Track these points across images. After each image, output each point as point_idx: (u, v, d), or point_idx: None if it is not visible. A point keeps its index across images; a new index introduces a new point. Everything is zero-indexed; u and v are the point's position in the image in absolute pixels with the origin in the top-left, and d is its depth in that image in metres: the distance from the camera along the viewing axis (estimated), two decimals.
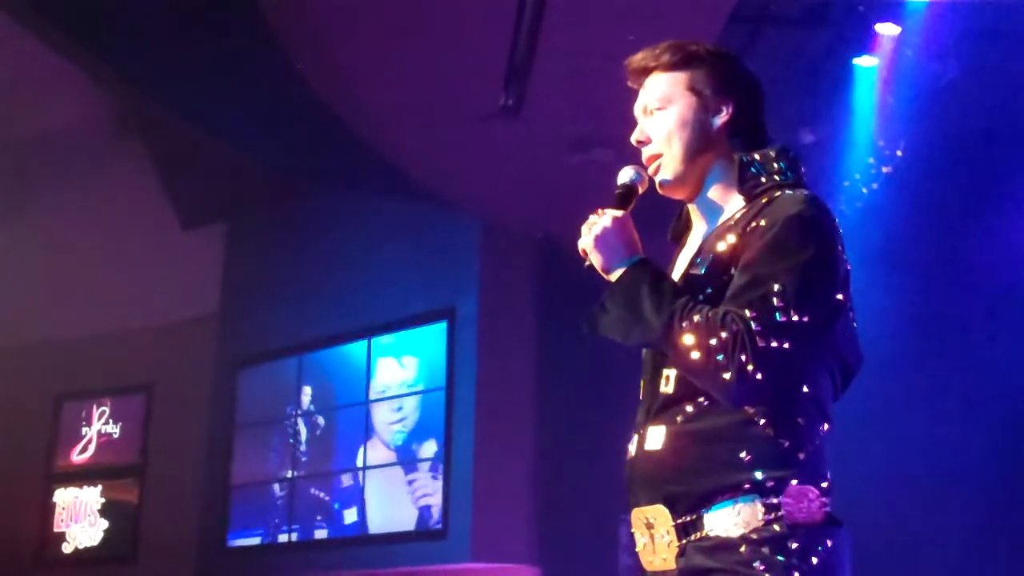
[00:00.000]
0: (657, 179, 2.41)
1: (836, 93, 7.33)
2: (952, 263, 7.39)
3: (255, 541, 10.26)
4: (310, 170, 9.70)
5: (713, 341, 2.10)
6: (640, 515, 2.29)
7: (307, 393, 10.10)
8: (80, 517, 12.37)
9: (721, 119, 2.39)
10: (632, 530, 2.35)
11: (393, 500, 9.24)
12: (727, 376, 2.10)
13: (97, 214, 10.74)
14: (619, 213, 2.35)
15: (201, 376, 11.08)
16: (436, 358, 9.06)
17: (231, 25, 7.05)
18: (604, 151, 7.37)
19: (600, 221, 2.33)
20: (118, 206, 10.74)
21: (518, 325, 8.94)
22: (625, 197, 2.41)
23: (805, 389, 2.18)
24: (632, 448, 2.33)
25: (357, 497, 9.50)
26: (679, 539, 2.21)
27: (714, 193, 2.40)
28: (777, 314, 2.11)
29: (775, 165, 2.36)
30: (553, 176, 7.94)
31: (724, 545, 2.14)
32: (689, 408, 2.22)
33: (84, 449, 12.59)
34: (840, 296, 2.23)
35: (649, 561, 2.29)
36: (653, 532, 2.26)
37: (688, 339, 2.13)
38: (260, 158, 9.50)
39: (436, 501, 8.81)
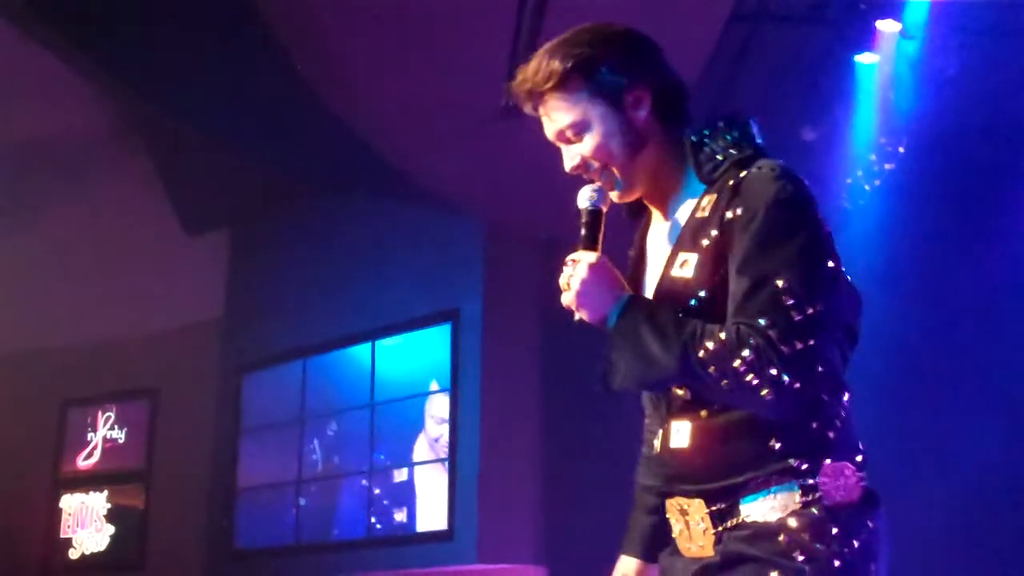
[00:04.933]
0: (612, 196, 2.31)
1: (837, 90, 7.34)
2: (953, 259, 7.39)
3: (262, 545, 10.26)
4: (313, 174, 9.71)
5: (737, 364, 2.02)
6: (674, 503, 2.27)
7: (312, 396, 10.10)
8: (87, 523, 12.39)
9: (643, 109, 2.26)
10: (667, 516, 2.32)
11: (399, 502, 9.25)
12: (764, 394, 2.02)
13: (101, 220, 10.75)
14: (593, 258, 2.20)
15: (206, 381, 11.09)
16: (440, 360, 9.06)
17: (232, 29, 7.06)
18: None
19: (576, 274, 2.19)
20: (121, 212, 10.75)
21: (522, 326, 8.95)
22: (593, 227, 2.27)
23: (820, 369, 2.06)
24: (656, 444, 2.29)
25: (364, 499, 9.50)
26: (715, 526, 2.18)
27: (665, 181, 2.29)
28: (792, 313, 2.03)
29: (727, 137, 2.25)
30: (556, 177, 7.92)
31: (762, 532, 2.11)
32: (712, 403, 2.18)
33: (90, 455, 12.60)
34: (835, 263, 2.17)
35: (687, 547, 2.27)
36: (688, 519, 2.23)
37: (711, 370, 2.04)
38: (263, 163, 9.50)
39: (443, 503, 8.81)
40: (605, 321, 2.17)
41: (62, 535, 12.48)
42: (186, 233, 10.90)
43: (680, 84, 2.32)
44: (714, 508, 2.17)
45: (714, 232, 2.15)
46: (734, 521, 2.15)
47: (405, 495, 9.20)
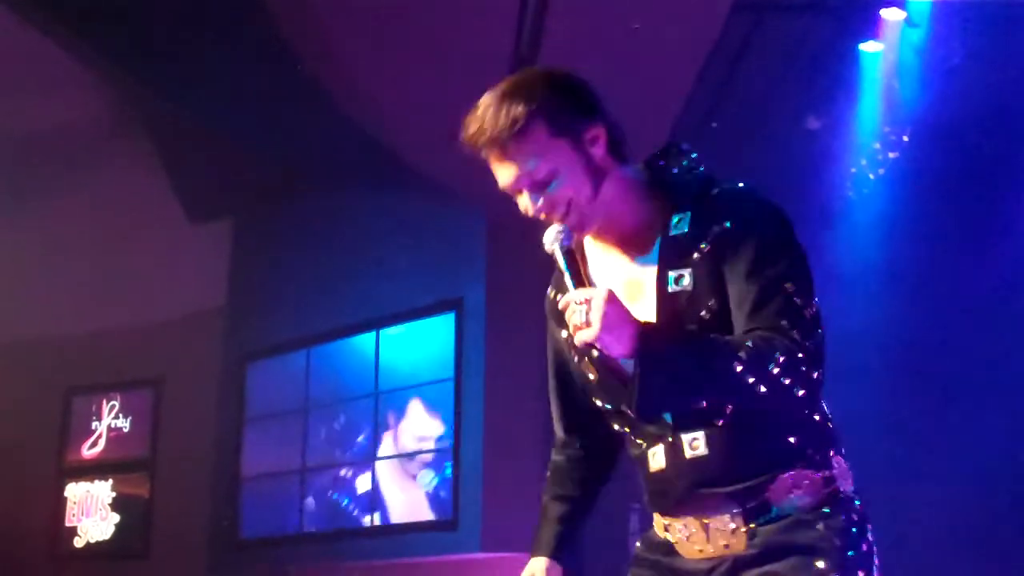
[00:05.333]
0: (577, 235, 2.35)
1: (841, 79, 7.32)
2: (957, 249, 7.35)
3: (266, 534, 10.28)
4: (315, 164, 9.70)
5: (773, 368, 2.11)
6: (686, 511, 2.33)
7: (316, 386, 10.11)
8: (91, 511, 12.42)
9: (600, 146, 2.30)
10: (670, 523, 2.38)
11: (403, 491, 9.26)
12: (800, 392, 2.13)
13: (104, 209, 10.75)
14: (604, 292, 2.18)
15: (210, 370, 11.10)
16: (444, 349, 9.06)
17: (233, 19, 7.05)
18: None
19: (594, 310, 2.16)
20: (125, 201, 10.76)
21: (526, 314, 8.89)
22: (574, 264, 2.29)
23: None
24: (661, 459, 2.34)
25: (367, 488, 9.51)
26: (746, 523, 2.25)
27: (622, 211, 2.34)
28: (804, 312, 2.18)
29: (683, 162, 2.36)
30: None
31: (801, 523, 2.22)
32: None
33: (95, 443, 12.63)
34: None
35: (696, 549, 2.33)
36: (707, 522, 2.29)
37: (750, 380, 2.11)
38: (264, 153, 9.50)
39: (445, 492, 8.82)
40: (631, 352, 2.17)
41: (67, 524, 12.52)
42: (190, 222, 10.91)
43: (619, 121, 2.38)
44: (748, 506, 2.25)
45: (704, 246, 2.24)
46: (767, 516, 2.24)
47: (409, 484, 9.21)
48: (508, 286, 8.95)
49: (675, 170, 2.34)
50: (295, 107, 8.10)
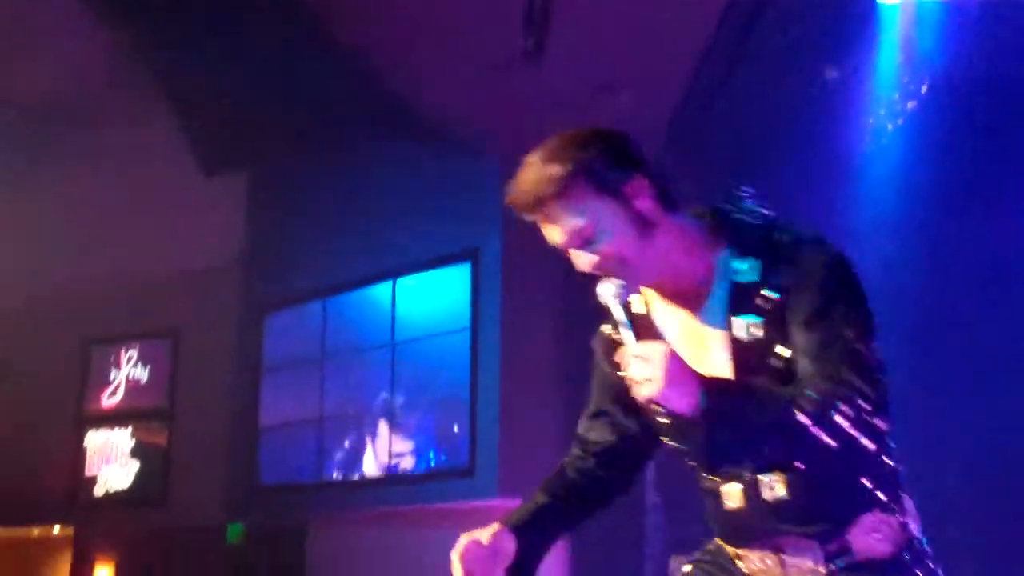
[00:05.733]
0: (633, 289, 2.32)
1: (860, 30, 7.27)
2: (975, 205, 7.27)
3: (284, 482, 10.38)
4: (331, 113, 9.70)
5: (839, 420, 2.11)
6: (763, 546, 2.36)
7: (332, 336, 10.16)
8: (111, 460, 12.54)
9: (645, 197, 2.27)
10: (744, 554, 2.40)
11: (420, 440, 9.34)
12: (867, 442, 2.15)
13: (121, 162, 10.77)
14: (664, 347, 2.16)
15: (227, 320, 11.17)
16: (460, 299, 9.10)
17: None
18: (624, 93, 7.36)
19: (655, 366, 2.12)
20: (141, 154, 10.77)
21: (542, 264, 8.95)
22: (633, 319, 2.27)
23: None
24: (738, 498, 2.36)
25: (384, 437, 9.59)
26: (827, 564, 2.28)
27: (680, 260, 2.31)
28: (867, 362, 2.17)
29: (747, 203, 2.36)
30: (575, 119, 7.91)
31: (882, 566, 2.26)
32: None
33: (114, 393, 12.74)
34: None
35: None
36: (785, 558, 2.33)
37: (816, 430, 2.11)
38: (279, 104, 9.50)
39: (462, 440, 8.89)
40: (694, 408, 2.14)
41: (87, 472, 12.65)
42: (205, 174, 10.93)
43: (662, 169, 2.35)
44: (828, 548, 2.28)
45: (773, 294, 2.24)
46: (847, 558, 2.28)
47: (425, 433, 9.28)
48: (524, 235, 8.92)
49: (738, 214, 2.32)
50: (310, 57, 8.09)
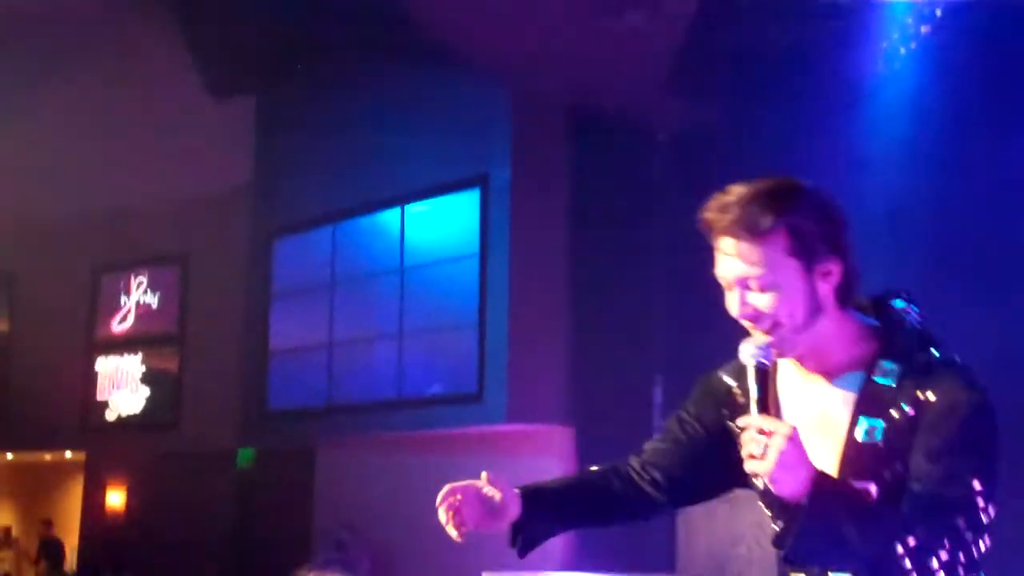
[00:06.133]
0: (776, 356, 2.23)
1: None
2: (989, 130, 7.19)
3: (294, 406, 10.45)
4: (341, 37, 9.63)
5: (933, 563, 2.05)
6: None
7: (342, 262, 10.17)
8: (122, 385, 12.63)
9: (830, 283, 2.20)
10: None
11: (428, 365, 9.38)
12: None
13: (128, 88, 10.73)
14: (789, 430, 2.07)
15: (236, 246, 11.18)
16: (469, 225, 9.10)
17: None
18: (635, 15, 7.30)
19: (774, 446, 2.06)
20: (149, 79, 10.72)
21: (551, 191, 8.95)
22: (764, 385, 2.18)
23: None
24: None
25: (393, 363, 9.63)
26: None
27: (828, 349, 2.25)
28: (982, 516, 2.09)
29: (908, 314, 2.28)
30: (585, 41, 7.87)
31: None
32: None
33: (124, 319, 12.80)
34: None
35: None
36: None
37: (906, 563, 2.05)
38: (290, 25, 9.43)
39: (471, 365, 8.92)
40: (799, 498, 2.09)
41: (98, 398, 12.75)
42: (213, 99, 10.88)
43: (859, 267, 2.27)
44: None
45: (907, 407, 2.16)
46: None
47: (434, 357, 9.32)
48: (534, 162, 8.95)
49: (900, 319, 2.26)
50: None
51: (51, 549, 13.17)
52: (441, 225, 9.41)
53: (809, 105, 7.12)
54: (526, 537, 2.45)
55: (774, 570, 2.44)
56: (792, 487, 2.07)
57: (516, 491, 2.42)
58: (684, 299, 7.30)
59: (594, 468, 2.58)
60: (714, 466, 2.43)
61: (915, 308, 2.30)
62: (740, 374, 2.32)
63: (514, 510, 2.41)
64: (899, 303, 2.30)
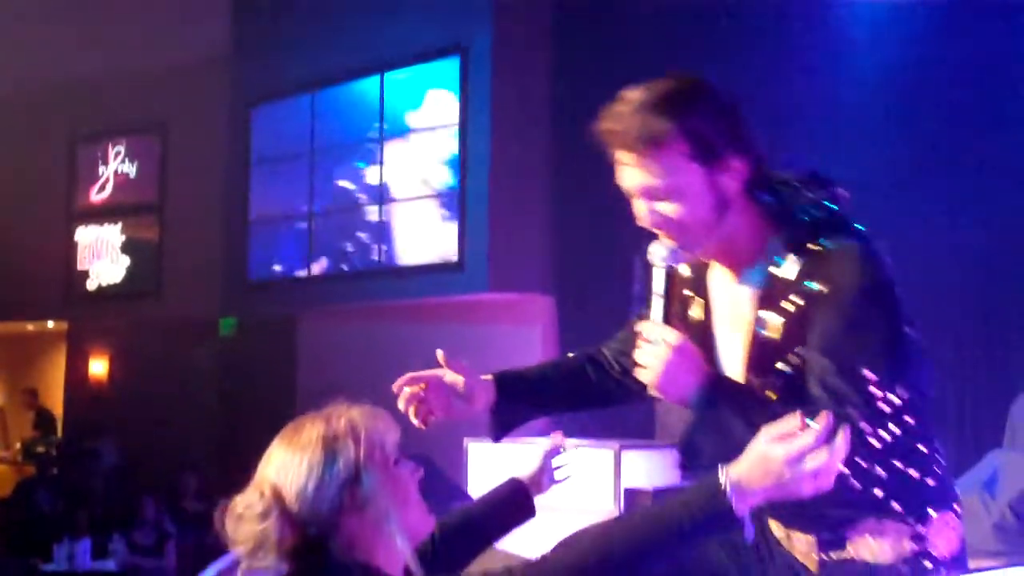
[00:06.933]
0: (684, 258, 2.25)
1: None
2: (975, 89, 6.83)
3: (274, 276, 10.48)
4: None
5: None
6: (774, 522, 2.33)
7: (322, 130, 10.11)
8: (102, 254, 12.63)
9: (735, 178, 2.15)
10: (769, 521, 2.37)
11: (409, 234, 9.39)
12: (853, 483, 2.04)
13: None
14: (675, 339, 2.11)
15: (215, 114, 11.09)
16: (449, 94, 9.04)
17: None
18: None
19: (657, 355, 2.10)
20: None
21: (532, 61, 8.87)
22: (667, 288, 2.20)
23: (910, 455, 2.13)
24: None
25: (374, 230, 9.64)
26: (819, 552, 2.24)
27: (740, 244, 2.22)
28: (880, 404, 2.05)
29: (807, 194, 2.21)
30: None
31: (873, 570, 2.18)
32: None
33: (102, 188, 12.74)
34: (911, 335, 2.14)
35: (789, 546, 2.33)
36: (792, 533, 2.30)
37: None
38: None
39: (452, 233, 8.95)
40: (684, 404, 2.13)
41: (79, 267, 12.75)
42: None
43: (766, 155, 2.21)
44: (822, 537, 2.24)
45: (797, 299, 2.13)
46: (841, 554, 2.22)
47: (416, 226, 9.33)
48: (514, 31, 8.86)
49: (799, 210, 2.19)
50: None
51: (44, 419, 13.30)
52: (421, 94, 9.34)
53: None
54: (500, 421, 2.49)
55: None
56: (676, 393, 2.11)
57: (488, 377, 2.46)
58: None
59: (571, 355, 2.62)
60: None
61: (825, 189, 2.22)
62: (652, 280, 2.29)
63: (486, 395, 2.44)
64: (807, 187, 2.22)
